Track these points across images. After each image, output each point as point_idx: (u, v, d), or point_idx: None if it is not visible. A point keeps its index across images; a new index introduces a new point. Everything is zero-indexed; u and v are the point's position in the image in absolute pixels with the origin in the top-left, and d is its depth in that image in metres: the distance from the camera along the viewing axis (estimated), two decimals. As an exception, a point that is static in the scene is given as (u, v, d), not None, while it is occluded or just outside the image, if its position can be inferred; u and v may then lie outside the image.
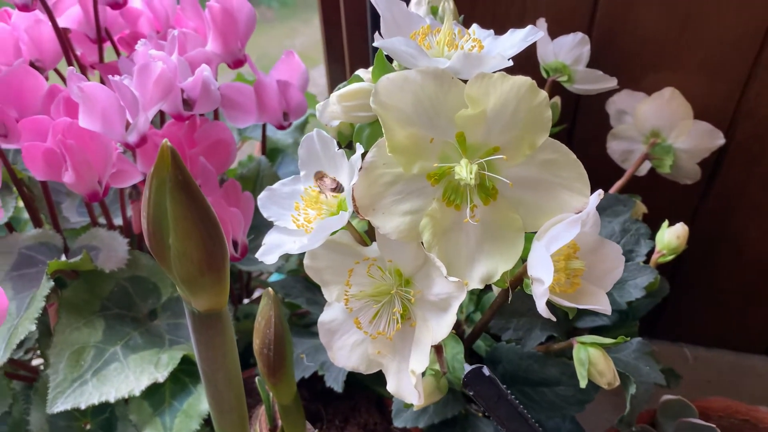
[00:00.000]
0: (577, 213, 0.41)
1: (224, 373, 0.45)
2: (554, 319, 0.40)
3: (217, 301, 0.39)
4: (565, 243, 0.40)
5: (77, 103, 0.53)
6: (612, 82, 0.68)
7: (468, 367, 0.42)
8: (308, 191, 0.46)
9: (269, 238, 0.47)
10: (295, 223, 0.46)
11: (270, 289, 0.49)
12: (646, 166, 0.76)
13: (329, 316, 0.49)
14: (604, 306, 0.43)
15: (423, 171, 0.42)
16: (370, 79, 0.52)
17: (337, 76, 0.84)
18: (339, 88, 0.52)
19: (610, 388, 0.53)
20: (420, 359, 0.43)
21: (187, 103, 0.58)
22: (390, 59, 0.49)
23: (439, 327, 0.42)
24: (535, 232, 0.43)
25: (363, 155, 0.43)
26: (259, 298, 0.83)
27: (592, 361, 0.52)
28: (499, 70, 0.41)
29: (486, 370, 0.42)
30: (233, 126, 0.73)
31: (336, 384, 0.60)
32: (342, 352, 0.48)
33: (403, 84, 0.40)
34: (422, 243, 0.43)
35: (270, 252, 0.46)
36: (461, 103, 0.40)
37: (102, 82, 0.66)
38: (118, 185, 0.60)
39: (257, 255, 0.46)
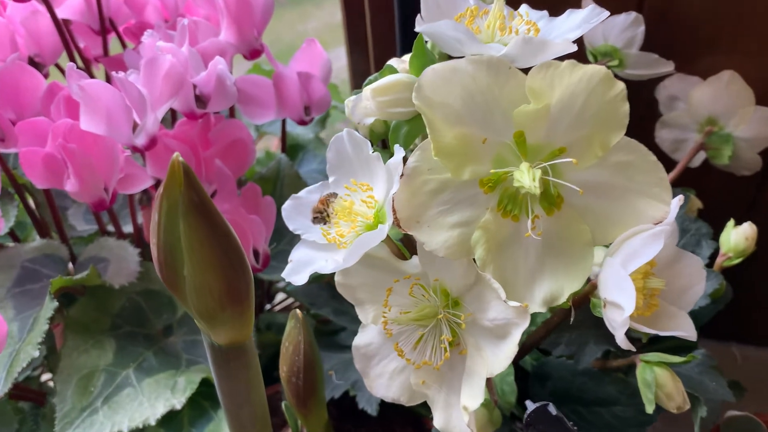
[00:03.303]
0: (656, 223, 0.36)
1: (249, 408, 0.40)
2: (633, 349, 0.35)
3: (240, 334, 0.34)
4: (646, 260, 0.34)
5: (79, 103, 0.47)
6: (668, 67, 0.61)
7: (531, 405, 0.37)
8: (340, 200, 0.41)
9: (297, 254, 0.42)
10: (326, 236, 0.40)
11: (298, 311, 0.43)
12: (700, 157, 0.70)
13: (364, 339, 0.43)
14: (688, 330, 0.37)
15: (475, 176, 0.36)
16: (406, 69, 0.46)
17: (360, 66, 0.78)
18: (371, 81, 0.46)
19: (680, 413, 0.47)
20: (473, 393, 0.37)
21: (201, 100, 0.53)
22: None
23: (496, 357, 0.37)
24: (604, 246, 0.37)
25: (404, 159, 0.37)
26: (282, 305, 0.78)
27: (659, 382, 0.47)
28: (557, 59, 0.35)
29: (552, 408, 0.36)
30: (250, 122, 0.67)
31: (370, 406, 0.55)
32: (380, 381, 0.43)
33: (451, 76, 0.35)
34: (474, 260, 0.37)
35: (298, 271, 0.40)
36: (520, 98, 0.35)
37: (107, 77, 0.61)
38: (126, 191, 0.55)
39: (284, 275, 0.40)
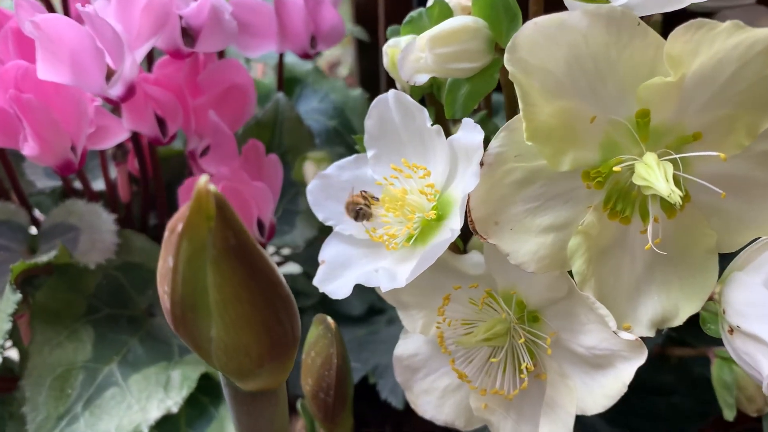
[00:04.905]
0: (803, 229, 0.28)
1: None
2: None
3: (276, 382, 0.26)
4: (801, 283, 0.26)
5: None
6: (749, -3, 0.52)
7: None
8: (386, 186, 0.32)
9: (330, 252, 0.33)
10: (371, 234, 0.31)
11: (329, 318, 0.35)
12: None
13: (408, 348, 0.36)
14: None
15: (577, 166, 0.28)
16: (460, 3, 0.36)
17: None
18: (414, 21, 0.36)
19: (759, 415, 0.41)
20: (556, 430, 0.30)
21: (188, 35, 0.42)
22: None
23: (591, 393, 0.29)
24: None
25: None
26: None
27: (740, 384, 0.40)
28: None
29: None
30: (239, 53, 0.57)
31: (395, 397, 0.48)
32: (428, 399, 0.36)
33: (556, 33, 0.26)
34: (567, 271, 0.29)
35: (335, 276, 0.32)
36: (643, 64, 0.26)
37: (65, 3, 0.49)
38: (98, 147, 0.44)
39: (316, 283, 0.32)
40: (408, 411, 0.54)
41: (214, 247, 0.18)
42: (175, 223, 0.18)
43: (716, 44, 0.25)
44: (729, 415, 0.40)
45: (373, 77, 0.75)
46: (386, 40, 0.38)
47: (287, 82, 0.64)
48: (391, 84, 0.38)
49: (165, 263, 0.19)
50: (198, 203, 0.17)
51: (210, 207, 0.17)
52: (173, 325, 0.21)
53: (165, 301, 0.20)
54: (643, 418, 0.48)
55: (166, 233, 0.19)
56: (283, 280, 0.21)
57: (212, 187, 0.17)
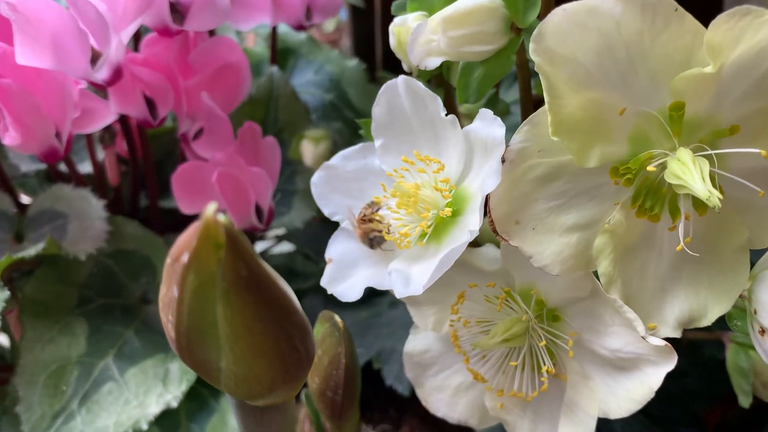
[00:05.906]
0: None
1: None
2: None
3: (287, 398, 0.24)
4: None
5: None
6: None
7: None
8: (398, 179, 0.30)
9: (336, 249, 0.31)
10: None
11: (336, 316, 0.33)
12: None
13: (419, 344, 0.35)
14: None
15: (605, 162, 0.26)
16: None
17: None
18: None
19: (773, 401, 0.40)
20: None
21: (177, 11, 0.39)
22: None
23: (615, 396, 0.28)
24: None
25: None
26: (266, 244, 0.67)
27: (757, 370, 0.39)
28: None
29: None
30: (230, 25, 0.54)
31: (401, 384, 0.46)
32: (440, 396, 0.34)
33: (586, 20, 0.24)
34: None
35: (342, 276, 0.30)
36: (680, 53, 0.24)
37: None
38: (83, 131, 0.42)
39: (324, 284, 0.30)
40: (413, 395, 0.53)
41: (224, 279, 0.16)
42: (180, 252, 0.16)
43: (761, 33, 0.23)
44: (745, 401, 0.39)
45: (368, 44, 0.72)
46: (383, 6, 0.36)
47: (280, 53, 0.61)
48: (387, 52, 0.36)
49: (169, 292, 0.17)
50: (206, 233, 0.15)
51: (219, 238, 0.16)
52: (178, 353, 0.19)
53: (169, 329, 0.19)
54: (654, 399, 0.47)
55: (169, 260, 0.17)
56: (298, 304, 0.19)
57: (221, 217, 0.15)
